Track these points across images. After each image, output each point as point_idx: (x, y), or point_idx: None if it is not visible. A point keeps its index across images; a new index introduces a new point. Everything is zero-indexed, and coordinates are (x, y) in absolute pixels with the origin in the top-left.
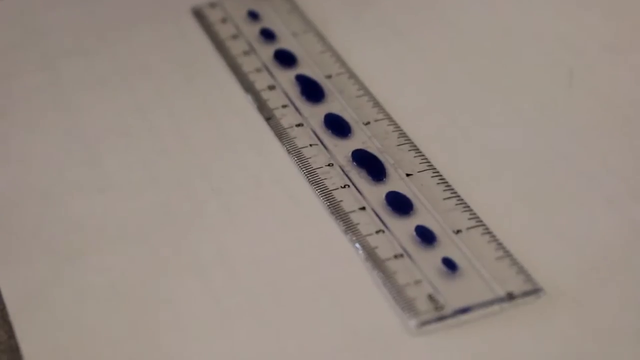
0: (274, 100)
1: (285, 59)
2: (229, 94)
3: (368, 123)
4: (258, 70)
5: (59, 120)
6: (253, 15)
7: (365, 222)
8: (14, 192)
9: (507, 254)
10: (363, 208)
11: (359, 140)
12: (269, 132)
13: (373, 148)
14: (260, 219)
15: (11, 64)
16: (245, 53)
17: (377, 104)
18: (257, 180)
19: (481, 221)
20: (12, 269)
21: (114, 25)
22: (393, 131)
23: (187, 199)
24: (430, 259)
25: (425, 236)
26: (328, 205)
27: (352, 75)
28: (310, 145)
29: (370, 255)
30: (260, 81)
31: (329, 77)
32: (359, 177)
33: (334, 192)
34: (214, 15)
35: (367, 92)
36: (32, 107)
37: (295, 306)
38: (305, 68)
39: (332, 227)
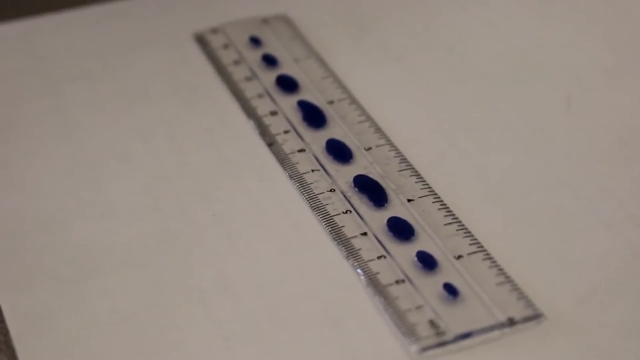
0: (275, 125)
1: (287, 84)
2: (231, 120)
3: (369, 149)
4: (260, 95)
5: (62, 146)
6: (255, 41)
7: (367, 248)
8: (17, 218)
9: (508, 279)
10: (364, 234)
11: (361, 165)
12: (271, 158)
13: (374, 173)
14: (261, 245)
15: (14, 89)
16: (248, 79)
17: (378, 130)
18: (258, 206)
19: (482, 247)
20: (15, 294)
21: (116, 50)
22: (394, 157)
23: (188, 225)
24: (431, 284)
25: (427, 262)
26: (330, 231)
27: (354, 101)
28: (312, 170)
29: (372, 280)
30: (263, 107)
31: (330, 102)
32: (361, 203)
33: (335, 218)
34: (216, 41)
35: (369, 118)
36: (34, 132)
37: (296, 332)
38: (307, 94)
39: (333, 253)
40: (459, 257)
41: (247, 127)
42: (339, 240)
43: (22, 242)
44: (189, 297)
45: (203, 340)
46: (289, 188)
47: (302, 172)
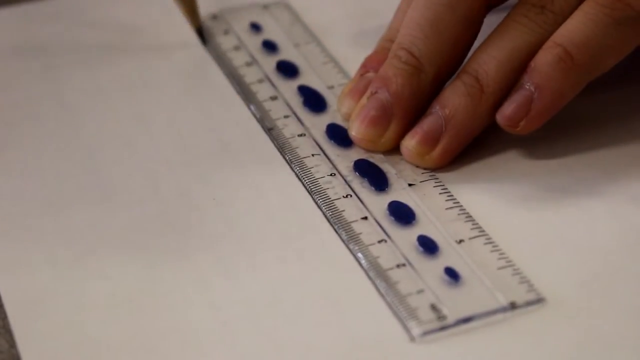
0: (276, 110)
1: (287, 70)
2: (230, 105)
3: None
4: (260, 81)
5: (61, 130)
6: (255, 27)
7: (368, 232)
8: (15, 201)
9: (509, 263)
10: (365, 218)
11: (362, 150)
12: (270, 143)
13: (375, 158)
14: (260, 229)
15: (13, 74)
16: (248, 64)
17: None
18: (257, 191)
19: (483, 231)
20: (13, 278)
21: (116, 36)
22: None
23: (187, 209)
24: (432, 268)
25: (428, 246)
26: (330, 215)
27: None
28: (313, 155)
29: (373, 264)
30: (263, 92)
31: (331, 87)
32: (361, 187)
33: (336, 202)
34: (216, 27)
35: None
36: (33, 117)
37: (294, 315)
38: (308, 79)
39: (332, 237)
40: (460, 241)
41: (246, 112)
42: (339, 225)
43: (20, 226)
44: (187, 280)
45: (201, 324)
46: (288, 172)
47: (302, 156)
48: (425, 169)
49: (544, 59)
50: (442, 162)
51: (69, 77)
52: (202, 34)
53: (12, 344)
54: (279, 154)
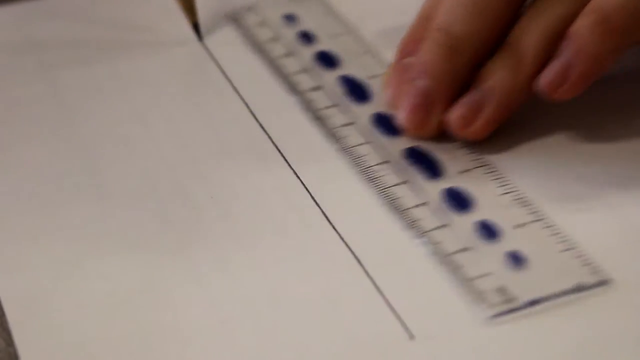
0: (319, 101)
1: (327, 60)
2: (228, 102)
3: None
4: (301, 71)
5: (58, 129)
6: (289, 19)
7: (427, 218)
8: (13, 200)
9: (571, 246)
10: (423, 204)
11: (410, 137)
12: (268, 140)
13: (425, 146)
14: (259, 227)
15: (10, 72)
16: (287, 55)
17: None
18: (255, 188)
19: (540, 215)
20: (11, 277)
21: (113, 33)
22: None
23: (185, 207)
24: (495, 252)
25: (488, 230)
26: (387, 203)
27: None
28: (362, 143)
29: (436, 250)
30: (305, 82)
31: (372, 77)
32: (415, 174)
33: (392, 189)
34: (251, 19)
35: None
36: (31, 115)
37: (294, 314)
38: (348, 69)
39: (331, 235)
40: (519, 225)
41: (245, 110)
42: (397, 211)
43: (18, 224)
44: (186, 278)
45: (200, 322)
46: (287, 170)
47: (351, 145)
48: (469, 141)
49: (581, 24)
50: (484, 133)
51: (66, 75)
52: (198, 30)
53: (9, 342)
54: (277, 152)
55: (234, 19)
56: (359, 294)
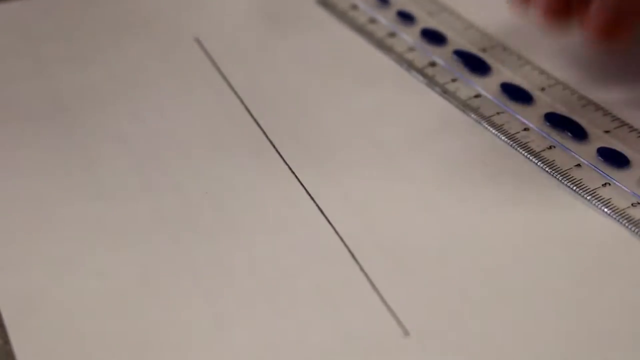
0: (440, 76)
1: (434, 37)
2: (224, 99)
3: (543, 89)
4: (410, 49)
5: (54, 127)
6: (382, 0)
7: (588, 177)
8: (9, 198)
9: None
10: (578, 165)
11: (544, 104)
12: (263, 136)
13: (561, 110)
14: (254, 223)
15: (5, 70)
16: (391, 35)
17: (543, 72)
18: (251, 185)
19: None
20: (7, 274)
21: (109, 32)
22: (572, 94)
23: (181, 204)
24: None
25: None
26: (542, 166)
27: (506, 47)
28: (498, 113)
29: (608, 206)
30: (418, 60)
31: (483, 50)
32: (561, 138)
33: (542, 153)
34: (342, 3)
35: (528, 61)
36: (26, 113)
37: (289, 310)
38: (457, 44)
39: (326, 230)
40: None
41: (240, 106)
42: (555, 174)
43: (14, 222)
44: (182, 275)
45: (195, 319)
46: (282, 166)
47: (487, 115)
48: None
49: None
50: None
51: (62, 74)
52: None
53: (6, 340)
54: (272, 147)
55: (324, 3)
56: (354, 290)
